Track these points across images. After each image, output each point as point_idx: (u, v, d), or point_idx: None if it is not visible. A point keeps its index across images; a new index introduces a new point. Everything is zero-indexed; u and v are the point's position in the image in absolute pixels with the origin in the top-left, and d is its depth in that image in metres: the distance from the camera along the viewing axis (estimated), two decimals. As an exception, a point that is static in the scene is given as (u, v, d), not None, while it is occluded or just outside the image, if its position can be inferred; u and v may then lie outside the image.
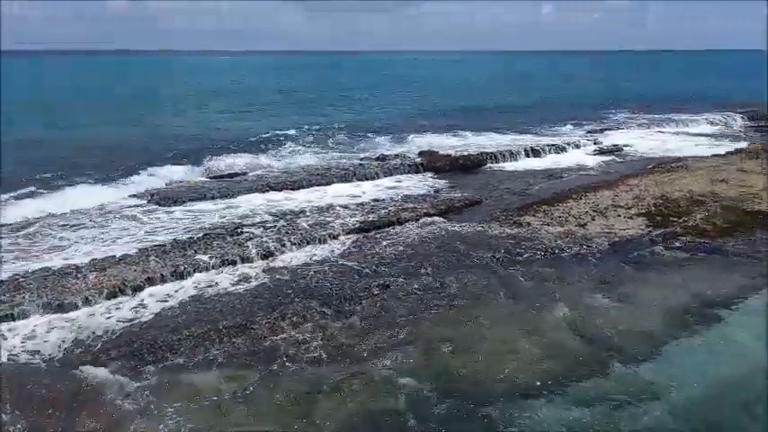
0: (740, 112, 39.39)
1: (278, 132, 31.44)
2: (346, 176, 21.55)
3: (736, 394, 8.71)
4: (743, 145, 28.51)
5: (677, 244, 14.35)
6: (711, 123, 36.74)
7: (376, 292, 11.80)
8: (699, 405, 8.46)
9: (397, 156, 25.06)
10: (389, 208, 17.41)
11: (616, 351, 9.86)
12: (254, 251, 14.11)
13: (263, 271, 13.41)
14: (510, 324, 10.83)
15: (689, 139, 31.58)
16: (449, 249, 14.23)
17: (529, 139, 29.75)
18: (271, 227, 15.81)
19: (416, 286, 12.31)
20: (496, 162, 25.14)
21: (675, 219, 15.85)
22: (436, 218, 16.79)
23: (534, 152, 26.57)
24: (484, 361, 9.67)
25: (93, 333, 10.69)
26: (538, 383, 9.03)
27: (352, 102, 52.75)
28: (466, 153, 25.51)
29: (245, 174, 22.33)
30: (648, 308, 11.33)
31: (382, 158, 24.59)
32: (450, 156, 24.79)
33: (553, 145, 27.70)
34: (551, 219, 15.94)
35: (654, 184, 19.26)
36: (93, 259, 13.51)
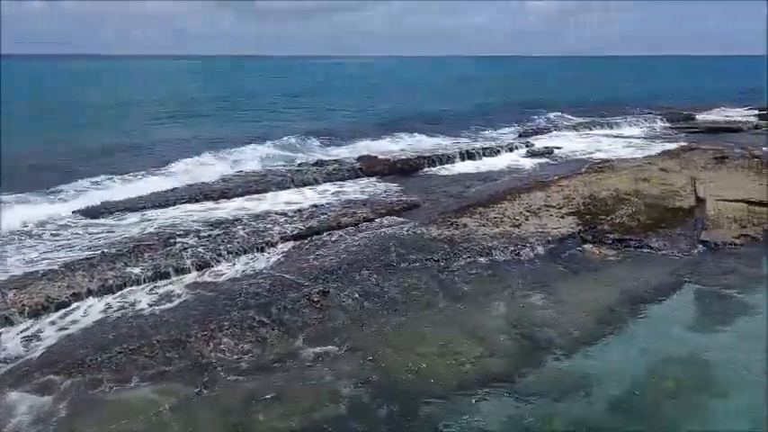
0: (659, 115, 41.95)
1: (214, 139, 30.67)
2: (284, 183, 21.26)
3: (663, 384, 9.14)
4: (664, 145, 30.31)
5: (606, 241, 15.00)
6: (636, 126, 38.81)
7: (316, 299, 11.66)
8: (630, 395, 8.83)
9: (336, 161, 24.97)
10: (328, 213, 17.28)
11: (552, 347, 10.18)
12: (188, 262, 13.64)
13: (199, 282, 12.99)
14: (450, 325, 10.97)
15: (615, 140, 33.19)
16: (389, 253, 14.27)
17: (464, 143, 30.47)
18: (206, 236, 15.35)
19: (357, 291, 12.26)
20: (434, 165, 25.50)
21: (603, 217, 16.56)
22: (375, 222, 16.84)
23: (470, 155, 27.14)
24: (425, 362, 9.73)
25: (14, 356, 10.01)
26: (478, 382, 9.20)
27: (289, 107, 52.19)
28: (404, 157, 25.76)
29: (181, 183, 21.53)
30: (581, 304, 11.75)
31: (321, 164, 24.43)
32: (388, 160, 24.93)
33: (488, 148, 28.41)
34: (487, 220, 16.30)
35: (583, 184, 20.07)
36: (12, 276, 12.67)
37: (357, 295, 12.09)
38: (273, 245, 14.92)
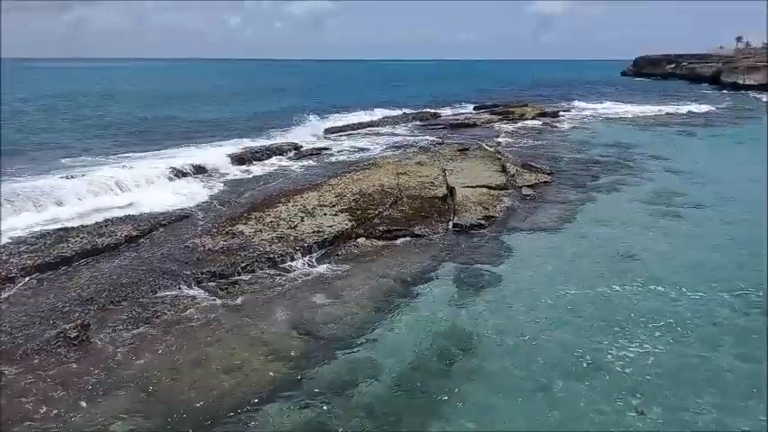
0: (411, 114, 46.47)
1: None
2: (19, 203, 18.01)
3: (436, 355, 10.06)
4: (418, 141, 33.55)
5: (376, 233, 16.00)
6: (395, 125, 42.24)
7: (73, 335, 10.13)
8: (411, 371, 9.55)
9: (83, 175, 22.03)
10: (81, 236, 15.15)
11: (337, 341, 10.48)
12: None
13: None
14: (233, 338, 10.54)
15: (377, 139, 35.63)
16: (159, 272, 13.11)
17: (233, 148, 29.46)
18: None
19: (124, 320, 11.03)
20: (203, 173, 24.30)
21: (372, 210, 17.62)
22: (141, 240, 15.36)
23: (240, 160, 26.55)
24: (211, 381, 9.21)
25: None
26: (269, 388, 9.03)
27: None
28: (171, 166, 23.98)
29: None
30: (359, 296, 12.33)
31: (69, 178, 21.35)
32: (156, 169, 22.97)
33: (257, 152, 28.10)
34: (264, 225, 16.08)
35: (351, 181, 21.07)
36: None
37: (124, 324, 10.87)
38: (11, 280, 12.57)
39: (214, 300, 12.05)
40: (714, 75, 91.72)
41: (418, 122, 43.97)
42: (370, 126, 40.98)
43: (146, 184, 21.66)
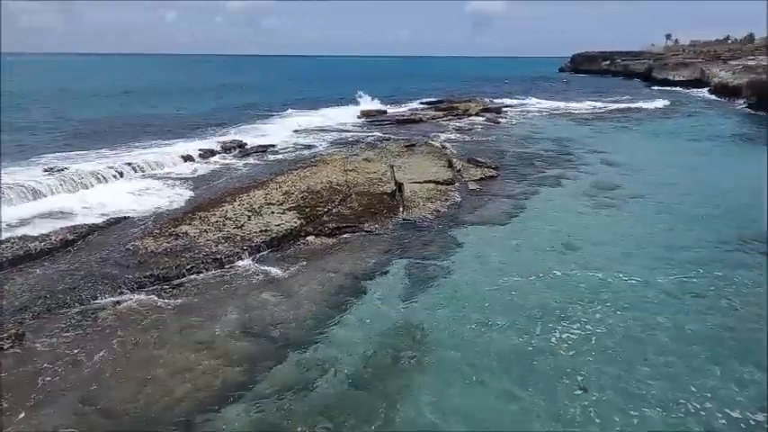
0: (359, 110, 46.41)
1: None
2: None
3: (387, 349, 10.11)
4: (364, 137, 33.53)
5: (325, 231, 15.90)
6: (342, 121, 42.02)
7: (7, 346, 9.62)
8: (363, 366, 9.58)
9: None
10: (12, 241, 14.32)
11: (289, 341, 10.36)
12: None
13: None
14: (181, 343, 10.25)
15: (325, 135, 35.36)
16: (98, 277, 12.58)
17: (180, 146, 28.62)
18: None
19: (63, 327, 10.54)
20: (142, 171, 23.51)
21: (321, 208, 17.50)
22: (78, 243, 14.69)
23: (186, 158, 25.87)
24: (157, 388, 8.92)
25: None
26: (221, 392, 8.85)
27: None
28: (109, 166, 23.07)
29: None
30: (310, 294, 12.23)
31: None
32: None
33: (202, 150, 27.42)
34: (209, 225, 15.69)
35: (299, 179, 20.85)
36: None
37: (63, 332, 10.39)
38: (-64, 290, 11.78)
39: (159, 303, 11.68)
40: (646, 71, 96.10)
41: (365, 119, 43.97)
42: (320, 122, 40.60)
43: (84, 186, 20.74)
